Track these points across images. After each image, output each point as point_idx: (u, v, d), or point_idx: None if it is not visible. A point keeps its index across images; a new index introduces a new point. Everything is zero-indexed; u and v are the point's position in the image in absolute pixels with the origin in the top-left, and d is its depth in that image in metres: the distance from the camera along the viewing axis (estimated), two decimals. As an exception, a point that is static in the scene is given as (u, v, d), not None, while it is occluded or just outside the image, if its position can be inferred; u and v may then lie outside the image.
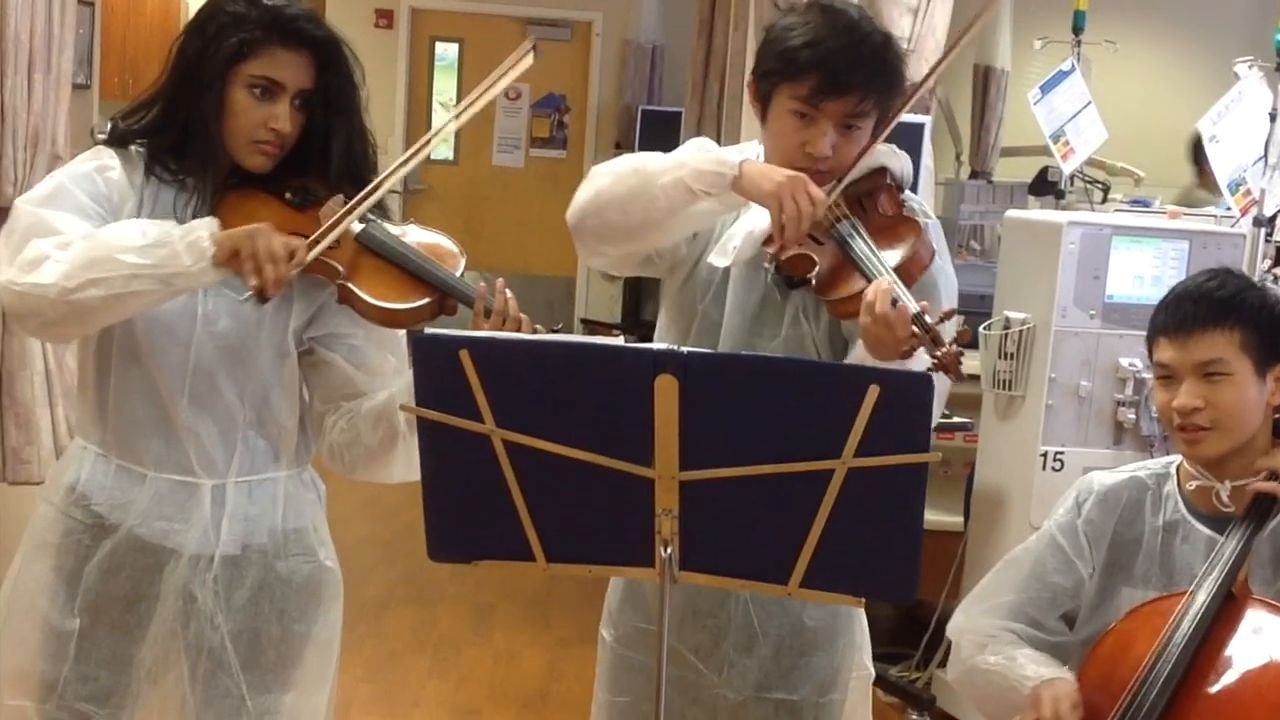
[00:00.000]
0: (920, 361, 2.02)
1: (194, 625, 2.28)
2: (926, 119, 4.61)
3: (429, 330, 1.95)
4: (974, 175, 8.45)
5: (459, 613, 5.28)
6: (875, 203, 2.29)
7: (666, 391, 1.80)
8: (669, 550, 1.90)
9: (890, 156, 2.35)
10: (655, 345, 1.84)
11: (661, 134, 9.93)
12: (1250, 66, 4.42)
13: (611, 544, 1.97)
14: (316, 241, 2.14)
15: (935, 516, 4.43)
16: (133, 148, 2.26)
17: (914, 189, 4.32)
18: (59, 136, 3.74)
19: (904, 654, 4.64)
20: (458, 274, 2.26)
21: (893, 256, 2.17)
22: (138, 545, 2.27)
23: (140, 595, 2.28)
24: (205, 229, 2.12)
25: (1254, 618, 2.19)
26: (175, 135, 2.22)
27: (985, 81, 8.60)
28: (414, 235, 2.31)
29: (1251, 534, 2.25)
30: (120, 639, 2.29)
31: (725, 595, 2.35)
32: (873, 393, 1.76)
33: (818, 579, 1.90)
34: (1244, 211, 4.32)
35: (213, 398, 2.25)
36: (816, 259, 2.20)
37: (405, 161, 2.24)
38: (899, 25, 4.73)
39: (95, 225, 2.16)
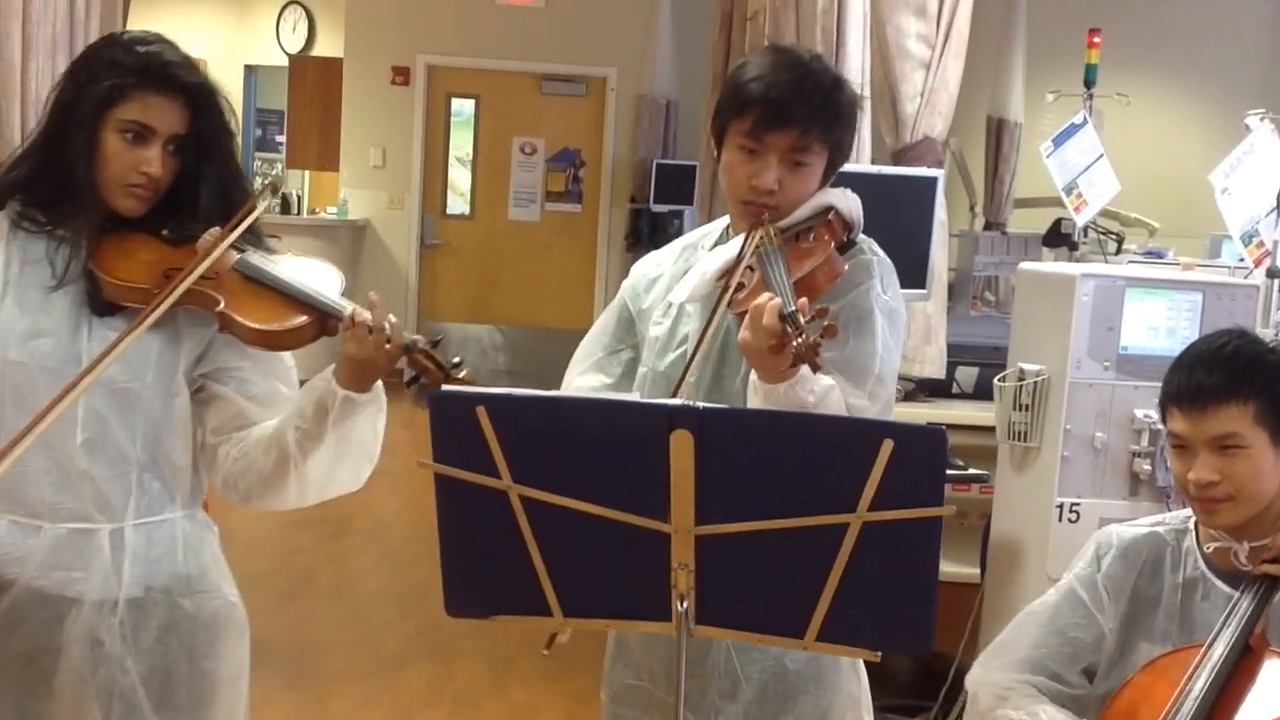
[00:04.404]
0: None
1: (103, 671, 2.27)
2: (940, 173, 4.62)
3: (446, 387, 1.96)
4: (988, 227, 8.48)
5: (476, 667, 5.27)
6: (809, 234, 2.32)
7: (682, 446, 1.81)
8: (685, 604, 1.91)
9: (839, 197, 2.38)
10: (670, 401, 1.85)
11: (676, 187, 10.00)
12: (1261, 119, 4.46)
13: (628, 598, 1.97)
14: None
15: (952, 568, 4.43)
16: (7, 207, 2.29)
17: (927, 242, 4.38)
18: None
19: (922, 706, 4.62)
20: (336, 294, 2.29)
21: (798, 271, 2.22)
22: (37, 599, 2.26)
23: (41, 649, 2.27)
24: None
25: (1271, 669, 2.19)
26: (51, 184, 2.26)
27: (998, 134, 8.65)
28: (290, 262, 2.34)
29: (1269, 588, 2.25)
30: (24, 696, 2.27)
31: (708, 644, 2.35)
32: (886, 447, 1.77)
33: (834, 632, 1.91)
34: (1257, 263, 4.34)
35: (105, 441, 2.25)
36: (746, 284, 2.24)
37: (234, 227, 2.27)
38: (911, 80, 4.76)
39: None
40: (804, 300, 2.07)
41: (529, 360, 10.87)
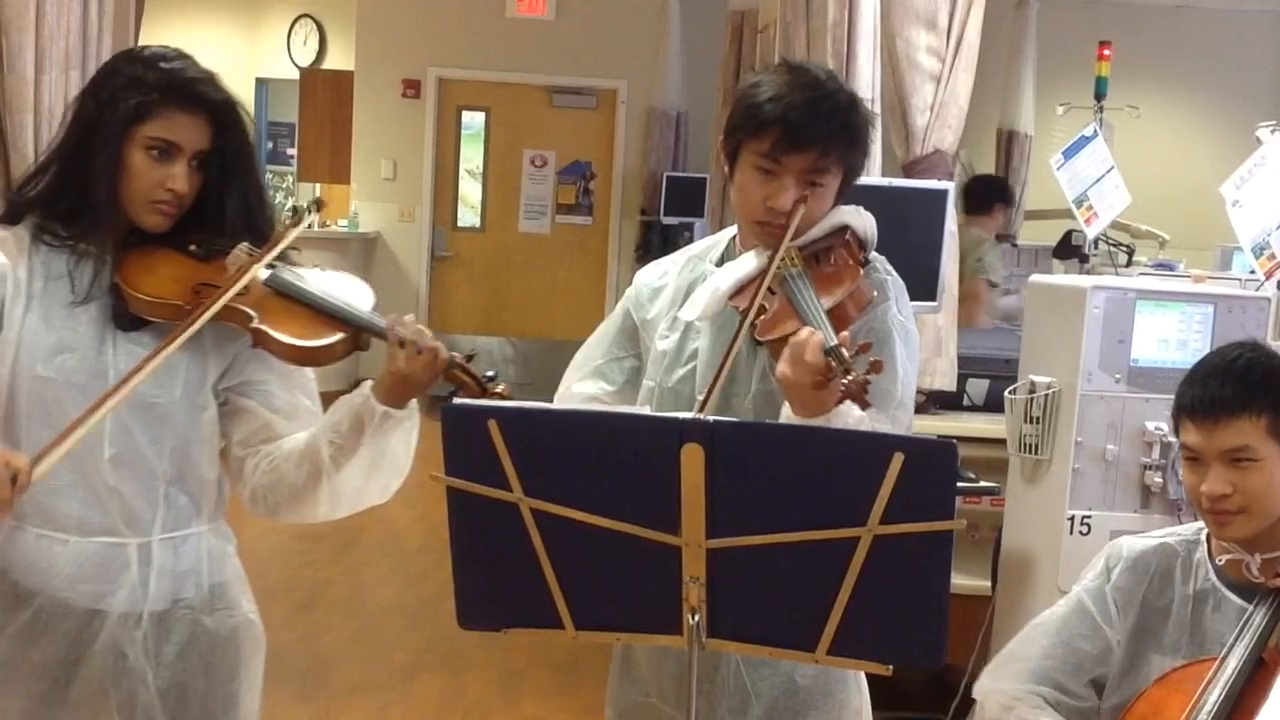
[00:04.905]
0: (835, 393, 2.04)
1: (126, 684, 2.27)
2: (950, 185, 4.62)
3: (457, 401, 1.96)
4: (999, 239, 8.46)
5: (487, 680, 5.26)
6: (829, 256, 2.31)
7: (693, 460, 1.81)
8: (696, 618, 1.91)
9: (853, 215, 2.37)
10: (681, 414, 1.85)
11: (686, 200, 10.01)
12: (1273, 131, 4.44)
13: (639, 611, 1.98)
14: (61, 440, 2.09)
15: (963, 580, 4.43)
16: (25, 221, 2.28)
17: (938, 254, 4.38)
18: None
19: (933, 719, 4.61)
20: (369, 310, 2.29)
21: (830, 300, 2.20)
22: (62, 610, 2.26)
23: (60, 660, 2.27)
24: None
25: (1285, 683, 2.19)
26: (72, 198, 2.25)
27: (1008, 146, 8.66)
28: (321, 276, 2.34)
29: (1281, 601, 2.25)
30: (36, 708, 2.27)
31: (718, 659, 2.34)
32: (897, 460, 1.77)
33: (845, 646, 1.91)
34: (1268, 275, 4.33)
35: (133, 456, 2.25)
36: (767, 308, 2.22)
37: (274, 245, 2.29)
38: (921, 93, 4.76)
39: None
40: (845, 334, 2.06)
41: (540, 372, 10.86)
